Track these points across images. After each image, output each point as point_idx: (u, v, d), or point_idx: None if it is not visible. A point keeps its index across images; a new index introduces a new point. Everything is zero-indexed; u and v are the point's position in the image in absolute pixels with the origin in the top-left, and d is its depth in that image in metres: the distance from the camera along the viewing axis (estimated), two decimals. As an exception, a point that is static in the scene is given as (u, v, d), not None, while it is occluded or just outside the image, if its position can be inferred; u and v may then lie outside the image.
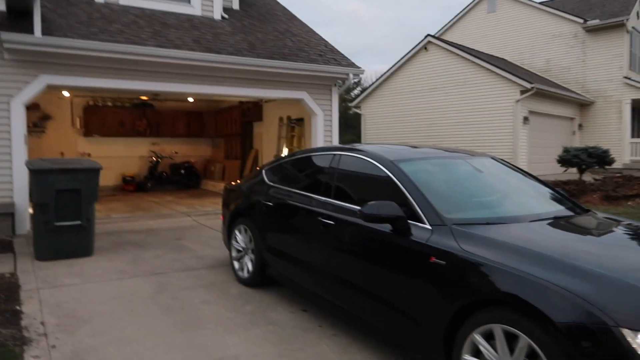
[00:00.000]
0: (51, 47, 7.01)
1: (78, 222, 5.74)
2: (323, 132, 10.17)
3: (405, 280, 3.04)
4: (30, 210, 6.74)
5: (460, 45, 18.31)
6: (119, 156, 13.68)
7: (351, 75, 9.97)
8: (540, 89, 15.71)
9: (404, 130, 18.49)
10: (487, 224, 3.04)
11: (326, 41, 10.89)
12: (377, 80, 20.15)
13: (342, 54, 10.45)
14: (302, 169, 4.78)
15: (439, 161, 4.04)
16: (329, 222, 3.79)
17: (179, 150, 14.71)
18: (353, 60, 10.31)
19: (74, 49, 7.16)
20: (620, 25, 18.68)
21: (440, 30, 23.63)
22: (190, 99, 14.08)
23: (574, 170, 13.78)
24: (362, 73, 10.21)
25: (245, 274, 4.95)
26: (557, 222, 3.30)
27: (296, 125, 11.67)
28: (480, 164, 4.10)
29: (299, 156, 4.87)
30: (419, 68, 18.23)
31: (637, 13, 19.76)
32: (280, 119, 12.22)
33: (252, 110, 13.23)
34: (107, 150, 13.42)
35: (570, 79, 19.73)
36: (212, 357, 3.35)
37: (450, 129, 17.05)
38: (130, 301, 4.40)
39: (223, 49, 8.59)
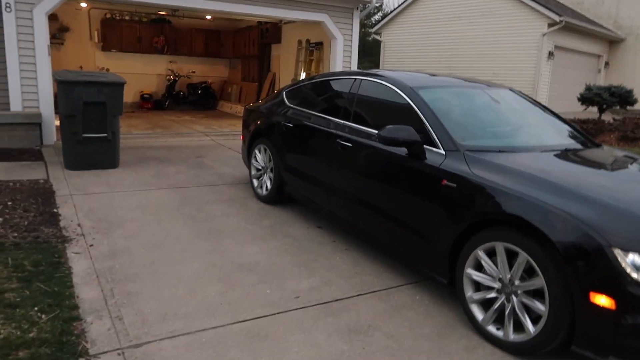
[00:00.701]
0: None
1: (104, 135, 5.98)
2: (342, 57, 10.09)
3: (417, 200, 3.25)
4: (57, 122, 6.99)
5: (489, -30, 17.39)
6: (137, 73, 13.70)
7: (374, -1, 9.72)
8: (569, 23, 15.12)
9: (424, 60, 18.10)
10: (499, 151, 3.19)
11: (350, -39, 10.47)
12: (400, 5, 19.43)
13: (366, -24, 10.10)
14: (322, 92, 4.87)
15: (457, 90, 4.12)
16: (347, 144, 3.96)
17: (196, 69, 14.66)
18: (377, -18, 9.99)
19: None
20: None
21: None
22: (208, 17, 13.83)
23: (595, 109, 13.60)
24: (386, -3, 9.91)
25: (263, 192, 5.21)
26: (566, 153, 3.44)
27: (315, 49, 11.52)
28: (498, 95, 4.17)
29: (320, 79, 4.95)
30: (444, -6, 17.51)
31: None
32: (299, 42, 12.04)
33: (271, 32, 13.01)
34: (125, 66, 13.43)
35: (602, 13, 18.86)
36: (234, 262, 3.67)
37: (472, 61, 16.67)
38: (157, 210, 4.71)
39: (244, -35, 8.36)
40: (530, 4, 15.22)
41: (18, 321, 2.66)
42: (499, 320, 2.77)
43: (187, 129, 10.03)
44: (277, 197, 5.07)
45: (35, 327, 2.62)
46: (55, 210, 4.48)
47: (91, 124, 5.90)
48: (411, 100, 3.61)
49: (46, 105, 7.32)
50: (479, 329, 2.86)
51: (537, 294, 2.58)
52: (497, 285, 2.76)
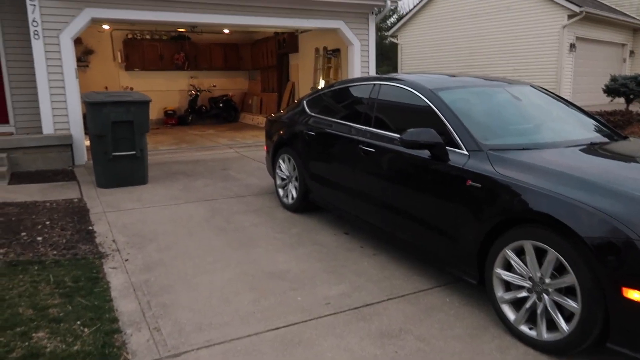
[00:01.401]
0: (94, -18, 7.18)
1: (133, 152, 6.16)
2: (360, 62, 10.14)
3: (442, 202, 3.27)
4: (87, 143, 7.23)
5: (504, -34, 17.25)
6: (160, 90, 14.03)
7: (388, 2, 9.76)
8: (590, 13, 14.86)
9: (443, 60, 18.02)
10: (523, 149, 3.19)
11: (363, -33, 10.55)
12: (415, 7, 19.42)
13: (380, -20, 10.15)
14: (343, 99, 4.94)
15: (477, 89, 4.12)
16: (370, 149, 4.00)
17: (216, 83, 14.92)
18: (391, -14, 10.02)
19: (116, -17, 7.31)
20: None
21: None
22: (226, 31, 14.09)
23: (622, 100, 13.29)
24: (401, 0, 9.95)
25: (289, 200, 5.29)
26: (591, 147, 3.41)
27: (332, 56, 11.61)
28: (519, 92, 4.16)
29: (339, 86, 5.01)
30: (459, -7, 17.42)
31: None
32: (317, 50, 12.15)
33: (288, 42, 13.17)
34: (149, 84, 13.77)
35: (624, 1, 18.46)
36: (265, 270, 3.75)
37: (491, 58, 16.52)
38: (188, 223, 4.83)
39: (259, -21, 8.52)
40: (548, -3, 15.02)
41: (63, 335, 2.79)
42: (532, 320, 2.76)
43: (211, 142, 10.22)
44: (303, 206, 5.13)
45: (79, 340, 2.73)
46: (90, 227, 4.65)
47: (120, 143, 6.09)
48: (431, 103, 3.64)
49: (76, 127, 7.58)
50: (511, 329, 2.86)
51: (569, 292, 2.57)
52: (527, 284, 2.76)
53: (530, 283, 2.74)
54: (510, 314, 2.86)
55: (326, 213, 5.13)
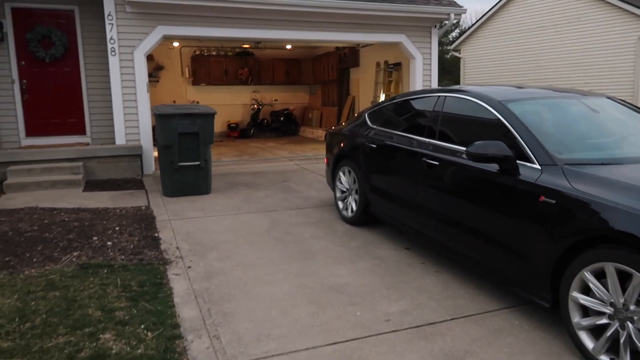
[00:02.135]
0: None
1: (197, 163, 6.36)
2: (422, 76, 10.00)
3: (512, 218, 3.10)
4: (155, 153, 7.55)
5: (576, -24, 16.53)
6: (224, 104, 14.46)
7: (452, 15, 9.58)
8: (670, 23, 13.89)
9: (507, 74, 17.44)
10: (602, 164, 2.97)
11: (426, -20, 10.45)
12: (478, 20, 18.97)
13: (443, -7, 10.01)
14: (405, 112, 4.85)
15: (549, 101, 3.92)
16: (434, 162, 3.88)
17: (278, 97, 15.21)
18: (453, -1, 9.87)
19: None
20: None
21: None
22: (289, 46, 14.37)
23: None
24: (464, 12, 9.76)
25: (349, 213, 5.24)
26: (682, 163, 3.12)
27: (393, 70, 11.53)
28: (595, 104, 3.91)
29: (402, 99, 4.93)
30: (525, 4, 16.84)
31: None
32: (378, 64, 12.12)
33: (349, 56, 13.23)
34: (213, 98, 14.24)
35: None
36: (324, 283, 3.70)
37: (560, 71, 15.79)
38: (248, 233, 4.89)
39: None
40: (622, 6, 14.19)
41: (128, 338, 2.86)
42: (613, 350, 2.53)
43: (272, 155, 10.39)
44: (363, 219, 5.06)
45: (142, 344, 2.79)
46: (156, 234, 4.80)
47: (186, 153, 6.30)
48: (500, 115, 3.48)
49: (146, 138, 7.94)
50: (589, 359, 2.63)
51: (657, 320, 2.34)
52: (608, 310, 2.53)
53: (612, 309, 2.51)
54: (589, 342, 2.63)
55: (386, 227, 5.03)
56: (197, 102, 13.82)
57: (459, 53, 19.78)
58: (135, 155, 7.75)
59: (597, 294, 2.59)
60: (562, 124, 3.64)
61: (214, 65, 14.31)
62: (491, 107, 3.60)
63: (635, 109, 4.05)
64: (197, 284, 3.68)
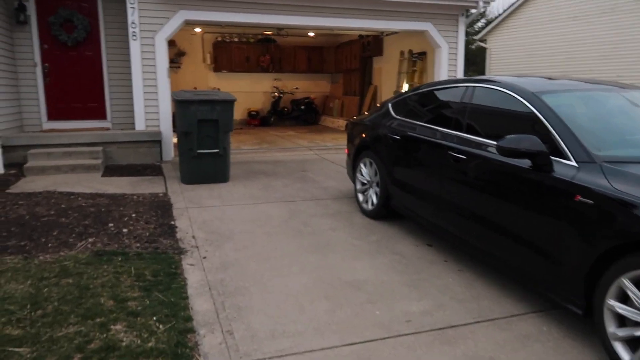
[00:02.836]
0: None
1: (216, 150, 6.26)
2: (447, 66, 9.72)
3: (544, 217, 2.92)
4: (174, 140, 7.48)
5: (611, -36, 15.88)
6: (245, 91, 14.38)
7: (481, 3, 9.27)
8: None
9: (535, 65, 16.92)
10: (646, 163, 2.76)
11: (455, -34, 10.11)
12: (506, 9, 18.42)
13: (472, -20, 9.67)
14: (431, 103, 4.66)
15: (586, 94, 3.69)
16: (461, 156, 3.70)
17: (299, 86, 15.05)
18: (483, -14, 9.51)
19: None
20: None
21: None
22: (311, 34, 14.17)
23: None
24: (493, 0, 9.42)
25: (369, 206, 5.08)
26: None
27: (418, 59, 11.24)
28: (636, 98, 3.66)
29: (428, 89, 4.74)
30: (557, -6, 16.28)
31: None
32: (402, 53, 11.84)
33: (372, 45, 12.96)
34: (235, 85, 14.16)
35: None
36: (341, 278, 3.57)
37: (592, 63, 15.24)
38: (265, 224, 4.78)
39: (347, -20, 8.42)
40: (662, -3, 13.59)
41: (139, 330, 2.78)
42: (652, 362, 2.35)
43: (291, 143, 10.26)
44: (383, 212, 4.91)
45: (153, 337, 2.71)
46: (172, 222, 4.73)
47: (205, 141, 6.21)
48: (534, 107, 3.28)
49: (165, 124, 7.88)
50: (624, 371, 2.46)
51: None
52: (648, 320, 2.35)
53: (653, 320, 2.33)
54: (624, 354, 2.45)
55: (407, 221, 4.87)
56: (218, 89, 13.75)
57: (485, 43, 19.28)
58: (154, 141, 7.71)
59: (636, 303, 2.40)
60: (600, 119, 3.42)
61: (235, 51, 14.20)
62: (524, 98, 3.39)
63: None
64: (211, 275, 3.59)
